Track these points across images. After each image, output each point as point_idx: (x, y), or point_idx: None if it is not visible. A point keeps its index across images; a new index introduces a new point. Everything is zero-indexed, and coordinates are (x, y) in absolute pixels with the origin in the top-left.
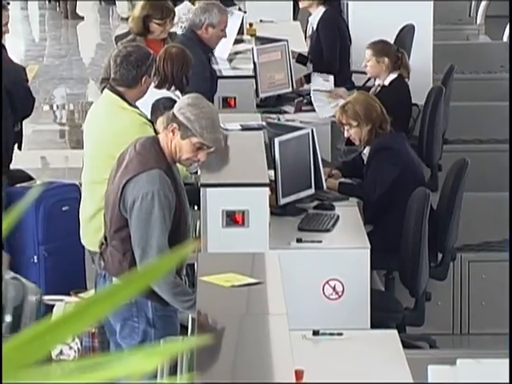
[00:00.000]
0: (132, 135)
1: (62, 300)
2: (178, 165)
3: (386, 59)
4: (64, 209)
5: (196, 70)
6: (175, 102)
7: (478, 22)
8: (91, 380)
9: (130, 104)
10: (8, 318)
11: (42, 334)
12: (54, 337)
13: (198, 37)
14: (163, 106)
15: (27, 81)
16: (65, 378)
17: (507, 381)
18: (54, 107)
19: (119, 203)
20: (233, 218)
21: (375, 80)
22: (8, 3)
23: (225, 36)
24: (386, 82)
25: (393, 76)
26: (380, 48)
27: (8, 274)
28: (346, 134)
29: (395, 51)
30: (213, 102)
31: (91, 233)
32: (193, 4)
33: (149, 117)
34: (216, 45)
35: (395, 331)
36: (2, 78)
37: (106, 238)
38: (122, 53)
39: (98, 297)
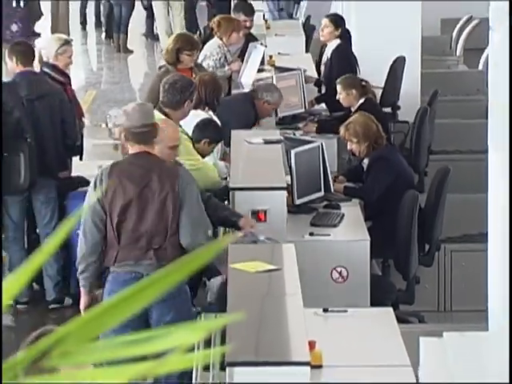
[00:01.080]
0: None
1: None
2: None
3: (354, 90)
4: None
5: (242, 122)
6: (214, 121)
7: (458, 53)
8: (141, 352)
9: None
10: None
11: (103, 312)
12: (113, 315)
13: (253, 104)
14: (202, 123)
15: (81, 118)
16: (118, 352)
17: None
18: (109, 125)
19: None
20: (257, 216)
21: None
22: (71, 39)
23: (271, 114)
24: (356, 107)
25: (361, 101)
26: (348, 82)
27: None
28: (348, 147)
29: (359, 82)
30: None
31: None
32: (221, 40)
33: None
34: (263, 117)
35: (390, 309)
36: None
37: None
38: (169, 80)
39: (151, 280)
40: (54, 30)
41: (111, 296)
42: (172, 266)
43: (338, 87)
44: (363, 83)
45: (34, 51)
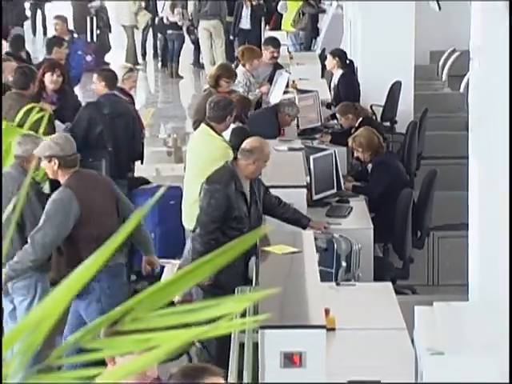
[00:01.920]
0: (218, 155)
1: (170, 262)
2: None
3: (350, 115)
4: (171, 202)
5: (268, 130)
6: (246, 129)
7: (443, 79)
8: (198, 319)
9: (218, 134)
10: (344, 263)
11: (165, 287)
12: (174, 288)
13: (276, 116)
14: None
15: (142, 130)
16: (178, 319)
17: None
18: (165, 136)
19: None
20: None
21: None
22: (136, 68)
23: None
24: (357, 125)
25: (360, 119)
26: (343, 110)
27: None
28: (355, 155)
29: (353, 106)
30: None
31: (190, 216)
32: (244, 66)
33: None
34: (284, 127)
35: (390, 283)
36: (135, 125)
37: None
38: (214, 100)
39: (200, 262)
40: (126, 60)
41: None
42: (221, 249)
43: (337, 115)
44: (356, 107)
45: (117, 78)
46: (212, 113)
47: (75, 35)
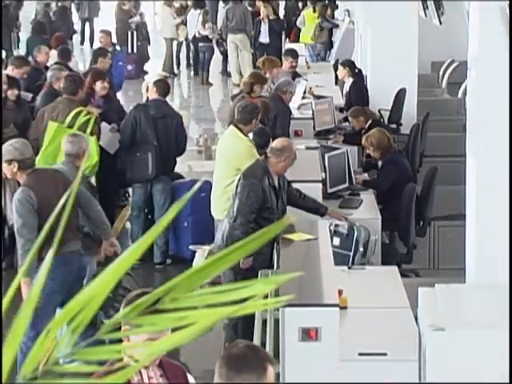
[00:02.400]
0: (244, 153)
1: (201, 248)
2: None
3: (361, 117)
4: (202, 195)
5: (284, 116)
6: (267, 131)
7: (443, 86)
8: (230, 298)
9: (244, 135)
10: (361, 249)
11: (199, 270)
12: (210, 271)
13: (281, 98)
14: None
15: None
16: (213, 298)
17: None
18: (197, 136)
19: None
20: None
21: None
22: (171, 75)
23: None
24: (367, 127)
25: (369, 122)
26: (354, 114)
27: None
28: (366, 152)
29: (363, 110)
30: (289, 134)
31: (218, 207)
32: (264, 74)
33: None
34: (288, 102)
35: (395, 267)
36: (177, 126)
37: None
38: (242, 105)
39: (233, 248)
40: (164, 69)
41: None
42: (252, 236)
43: (349, 118)
44: (365, 110)
45: (169, 87)
46: (240, 116)
47: (117, 47)
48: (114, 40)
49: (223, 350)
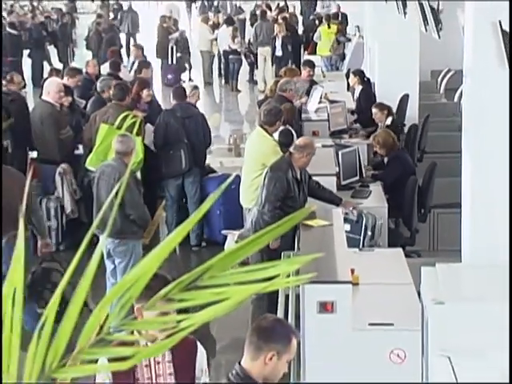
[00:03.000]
0: (269, 151)
1: (231, 232)
2: None
3: (385, 111)
4: (232, 187)
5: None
6: (291, 131)
7: (441, 91)
8: (260, 276)
9: (270, 134)
10: (369, 233)
11: (233, 252)
12: (243, 252)
13: (286, 98)
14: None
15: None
16: (246, 276)
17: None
18: (227, 135)
19: None
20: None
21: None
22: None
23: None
24: (385, 125)
25: (390, 119)
26: (380, 106)
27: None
28: (374, 149)
29: (386, 106)
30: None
31: (247, 197)
32: None
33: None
34: (292, 99)
35: (400, 249)
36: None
37: None
38: (267, 108)
39: (263, 232)
40: (204, 77)
41: None
42: (277, 223)
43: (374, 110)
44: (389, 108)
45: (185, 92)
46: (266, 118)
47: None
48: (155, 53)
49: (253, 322)
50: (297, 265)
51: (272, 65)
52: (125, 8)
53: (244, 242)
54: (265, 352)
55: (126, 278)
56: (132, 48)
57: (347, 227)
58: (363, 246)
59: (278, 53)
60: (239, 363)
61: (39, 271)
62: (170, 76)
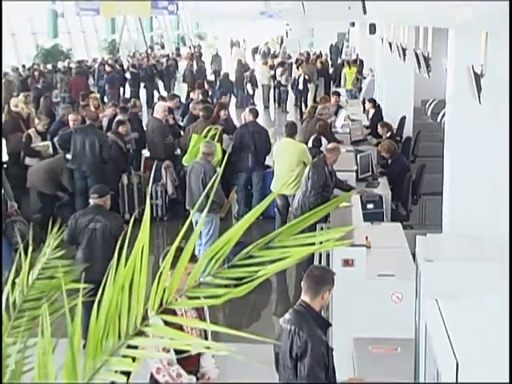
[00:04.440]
0: (305, 152)
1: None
2: None
3: (385, 128)
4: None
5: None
6: (320, 140)
7: (428, 114)
8: (307, 241)
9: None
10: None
11: (296, 223)
12: (299, 225)
13: (319, 119)
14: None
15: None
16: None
17: (442, 241)
18: None
19: None
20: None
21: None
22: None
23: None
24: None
25: (389, 133)
26: (384, 124)
27: None
28: (381, 154)
29: (387, 124)
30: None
31: (289, 186)
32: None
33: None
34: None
35: (399, 223)
36: (267, 136)
37: None
38: (288, 124)
39: (313, 212)
40: (263, 103)
41: None
42: (314, 210)
43: (379, 127)
44: (389, 125)
45: (257, 114)
46: (289, 132)
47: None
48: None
49: (298, 273)
50: (340, 233)
51: (299, 94)
52: (213, 53)
53: (303, 217)
54: (322, 292)
55: (219, 241)
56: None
57: (371, 206)
58: (382, 218)
59: (300, 86)
60: (302, 300)
61: (9, 222)
62: (245, 101)
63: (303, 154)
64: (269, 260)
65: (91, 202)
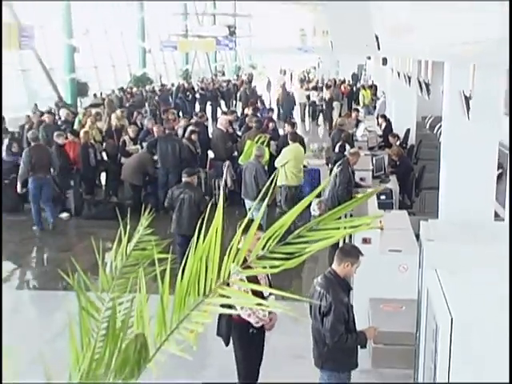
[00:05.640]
0: (303, 155)
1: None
2: None
3: (395, 138)
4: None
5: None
6: (344, 148)
7: (427, 127)
8: (349, 224)
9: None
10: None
11: (335, 211)
12: (338, 213)
13: (342, 130)
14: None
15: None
16: (342, 224)
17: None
18: (312, 148)
19: None
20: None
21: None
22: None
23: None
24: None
25: (399, 142)
26: (394, 135)
27: None
28: (391, 157)
29: (397, 135)
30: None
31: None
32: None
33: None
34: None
35: (405, 211)
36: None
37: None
38: (293, 133)
39: (345, 205)
40: (301, 118)
41: None
42: (349, 202)
43: (390, 137)
44: (398, 136)
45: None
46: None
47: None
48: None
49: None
50: (373, 219)
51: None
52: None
53: (342, 206)
54: (345, 262)
55: (276, 225)
56: (252, 101)
57: (383, 197)
58: (392, 206)
59: (328, 105)
60: (331, 268)
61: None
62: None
63: (303, 155)
64: (314, 239)
65: (183, 179)
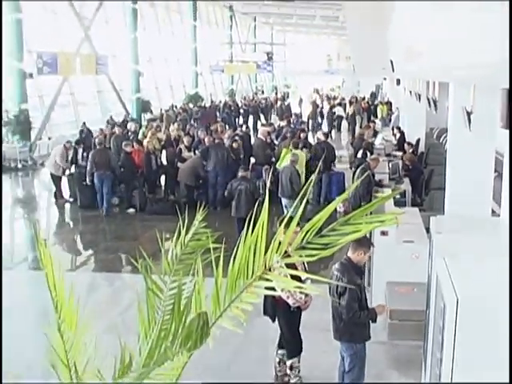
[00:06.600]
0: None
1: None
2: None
3: (409, 146)
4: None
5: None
6: (366, 154)
7: (434, 137)
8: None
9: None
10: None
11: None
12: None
13: (363, 139)
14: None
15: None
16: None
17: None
18: (338, 154)
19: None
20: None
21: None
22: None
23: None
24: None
25: (411, 149)
26: (408, 143)
27: None
28: (405, 162)
29: (410, 143)
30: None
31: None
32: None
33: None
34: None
35: (416, 208)
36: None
37: None
38: (295, 141)
39: (370, 204)
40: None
41: None
42: (374, 201)
43: (406, 145)
44: (412, 144)
45: (328, 136)
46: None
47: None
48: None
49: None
50: (396, 215)
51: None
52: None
53: (370, 204)
54: (359, 250)
55: (313, 220)
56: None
57: (398, 196)
58: (405, 204)
59: (351, 118)
60: (347, 255)
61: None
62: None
63: (304, 159)
64: (346, 232)
65: (239, 174)
